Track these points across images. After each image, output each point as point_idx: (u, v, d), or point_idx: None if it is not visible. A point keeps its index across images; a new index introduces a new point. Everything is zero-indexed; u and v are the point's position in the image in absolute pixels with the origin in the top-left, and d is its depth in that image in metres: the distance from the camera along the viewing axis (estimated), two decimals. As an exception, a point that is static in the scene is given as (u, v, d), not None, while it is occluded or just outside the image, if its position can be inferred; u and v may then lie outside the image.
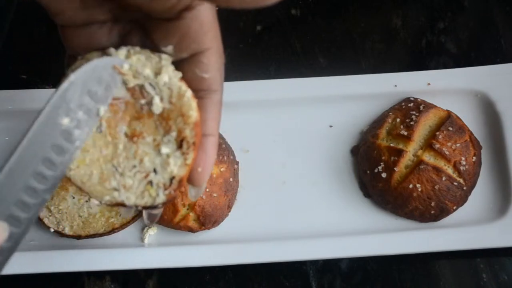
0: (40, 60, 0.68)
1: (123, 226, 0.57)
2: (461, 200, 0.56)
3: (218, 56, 0.39)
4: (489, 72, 0.61)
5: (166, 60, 0.41)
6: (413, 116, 0.57)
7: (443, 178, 0.55)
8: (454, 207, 0.56)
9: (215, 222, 0.57)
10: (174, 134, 0.42)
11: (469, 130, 0.59)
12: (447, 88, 0.61)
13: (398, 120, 0.58)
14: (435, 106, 0.59)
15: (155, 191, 0.42)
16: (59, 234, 0.57)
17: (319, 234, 0.57)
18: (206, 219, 0.56)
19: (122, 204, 0.42)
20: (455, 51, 0.66)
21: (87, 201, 0.58)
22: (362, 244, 0.55)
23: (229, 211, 0.58)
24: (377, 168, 0.57)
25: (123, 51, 0.40)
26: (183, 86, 0.41)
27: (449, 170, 0.55)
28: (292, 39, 0.68)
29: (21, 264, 0.55)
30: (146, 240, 0.58)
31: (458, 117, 0.59)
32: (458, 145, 0.56)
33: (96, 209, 0.58)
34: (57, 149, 0.35)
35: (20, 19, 0.70)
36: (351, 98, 0.61)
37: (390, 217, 0.58)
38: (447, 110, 0.59)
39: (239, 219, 0.58)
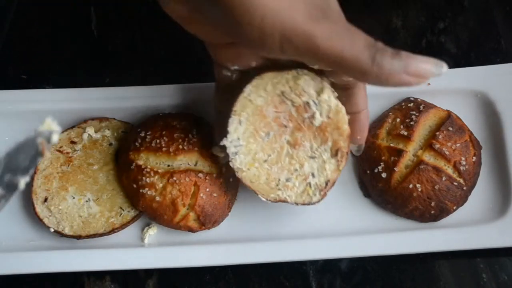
0: (40, 60, 0.69)
1: (123, 226, 0.57)
2: (461, 200, 0.56)
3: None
4: (489, 72, 0.61)
5: (326, 82, 0.50)
6: (413, 116, 0.57)
7: (443, 178, 0.55)
8: (454, 207, 0.56)
9: (215, 222, 0.57)
10: (330, 144, 0.51)
11: (469, 130, 0.59)
12: (447, 88, 0.61)
13: (398, 120, 0.58)
14: (435, 106, 0.59)
15: (313, 192, 0.51)
16: (59, 234, 0.57)
17: (319, 234, 0.57)
18: (206, 219, 0.56)
19: (284, 201, 0.51)
20: (455, 51, 0.66)
21: (87, 201, 0.58)
22: (362, 244, 0.55)
23: (229, 211, 0.58)
24: (377, 168, 0.57)
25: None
26: (339, 103, 0.50)
27: (449, 170, 0.55)
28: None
29: (21, 264, 0.55)
30: (146, 240, 0.58)
31: (458, 117, 0.59)
32: (458, 145, 0.56)
33: (96, 209, 0.58)
34: None
35: (20, 19, 0.70)
36: (351, 98, 0.61)
37: (390, 217, 0.58)
38: (447, 110, 0.59)
39: (239, 219, 0.58)
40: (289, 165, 0.52)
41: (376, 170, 0.57)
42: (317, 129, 0.51)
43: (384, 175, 0.56)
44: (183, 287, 0.58)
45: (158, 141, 0.56)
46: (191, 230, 0.56)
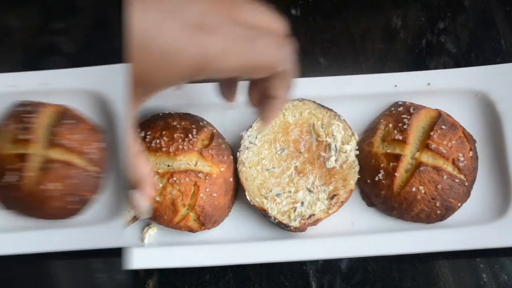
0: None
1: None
2: (465, 196, 0.56)
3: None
4: (489, 72, 0.61)
5: (355, 138, 0.57)
6: (405, 120, 0.57)
7: (444, 177, 0.55)
8: (459, 204, 0.56)
9: (215, 222, 0.57)
10: (331, 188, 0.54)
11: (461, 126, 0.59)
12: (447, 88, 0.61)
13: (390, 125, 0.58)
14: (425, 107, 0.59)
15: (294, 216, 0.54)
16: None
17: (319, 234, 0.57)
18: (206, 219, 0.56)
19: (264, 210, 0.55)
20: (455, 51, 0.66)
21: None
22: (362, 244, 0.55)
23: (229, 211, 0.58)
24: (377, 176, 0.56)
25: None
26: (357, 161, 0.56)
27: (449, 168, 0.55)
28: (292, 39, 0.68)
29: None
30: (146, 240, 0.58)
31: (448, 115, 0.59)
32: (453, 142, 0.56)
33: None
34: None
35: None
36: (351, 98, 0.61)
37: (395, 222, 0.58)
38: (436, 109, 0.59)
39: (239, 219, 0.58)
40: (286, 185, 0.55)
41: (376, 178, 0.57)
42: (326, 171, 0.56)
43: (385, 182, 0.56)
44: (183, 287, 0.57)
45: (158, 141, 0.56)
46: (191, 230, 0.56)
